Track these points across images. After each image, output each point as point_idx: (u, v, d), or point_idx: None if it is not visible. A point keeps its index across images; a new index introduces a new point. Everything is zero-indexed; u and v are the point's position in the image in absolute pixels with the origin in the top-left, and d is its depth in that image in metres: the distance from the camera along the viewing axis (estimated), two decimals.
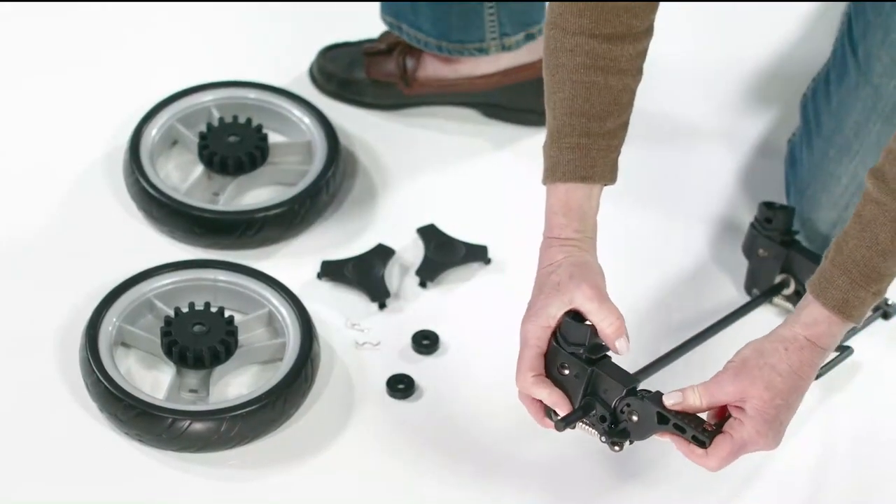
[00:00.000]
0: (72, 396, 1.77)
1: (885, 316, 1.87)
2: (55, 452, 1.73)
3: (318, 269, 1.93)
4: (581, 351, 1.52)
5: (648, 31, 1.58)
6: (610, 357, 1.54)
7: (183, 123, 2.07)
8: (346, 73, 2.18)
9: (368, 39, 2.19)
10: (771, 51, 2.32)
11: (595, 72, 1.54)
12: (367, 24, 2.17)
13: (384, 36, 2.17)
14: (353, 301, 1.91)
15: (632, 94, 1.58)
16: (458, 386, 1.82)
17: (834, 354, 1.70)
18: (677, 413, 1.50)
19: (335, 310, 1.89)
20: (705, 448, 1.49)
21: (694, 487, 1.72)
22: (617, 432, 1.53)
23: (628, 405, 1.52)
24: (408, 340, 1.86)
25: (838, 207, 1.90)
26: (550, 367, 1.55)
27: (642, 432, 1.53)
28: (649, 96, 2.22)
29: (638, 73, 1.59)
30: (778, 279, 1.87)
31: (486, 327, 1.87)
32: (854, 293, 1.47)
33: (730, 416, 1.50)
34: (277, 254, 1.97)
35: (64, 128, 2.12)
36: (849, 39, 1.86)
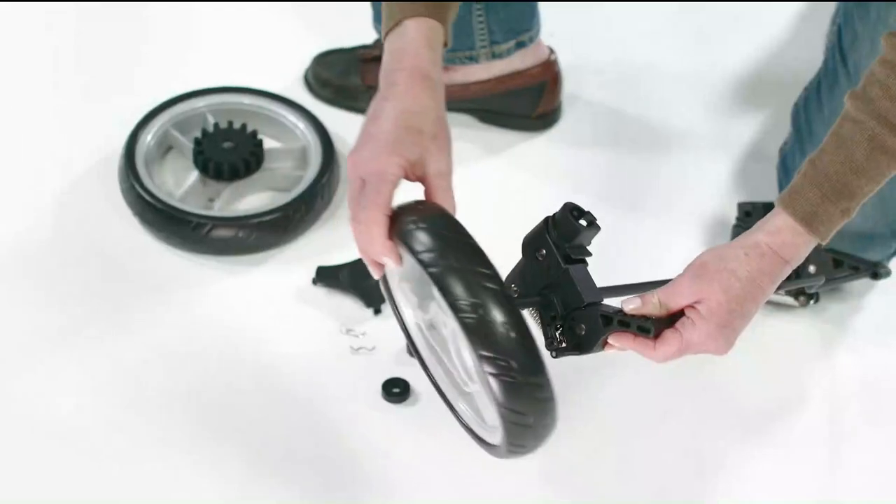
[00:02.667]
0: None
1: (875, 276, 1.89)
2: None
3: (313, 274, 1.93)
4: (565, 246, 1.48)
5: None
6: (587, 264, 1.49)
7: (178, 129, 2.07)
8: (341, 78, 2.18)
9: (363, 45, 2.20)
10: (760, 56, 2.34)
11: None
12: (362, 29, 2.18)
13: (379, 42, 2.17)
14: (348, 307, 1.92)
15: None
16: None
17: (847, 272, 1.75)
18: (619, 311, 1.48)
19: (330, 315, 1.90)
20: (650, 337, 1.47)
21: (691, 482, 1.73)
22: (562, 342, 1.49)
23: (574, 318, 1.48)
24: (403, 345, 1.86)
25: None
26: (529, 245, 1.50)
27: (591, 342, 1.48)
28: (643, 102, 2.25)
29: None
30: None
31: None
32: (823, 207, 1.47)
33: (683, 314, 1.49)
34: (273, 260, 1.98)
35: (59, 133, 2.13)
36: (839, 49, 1.87)
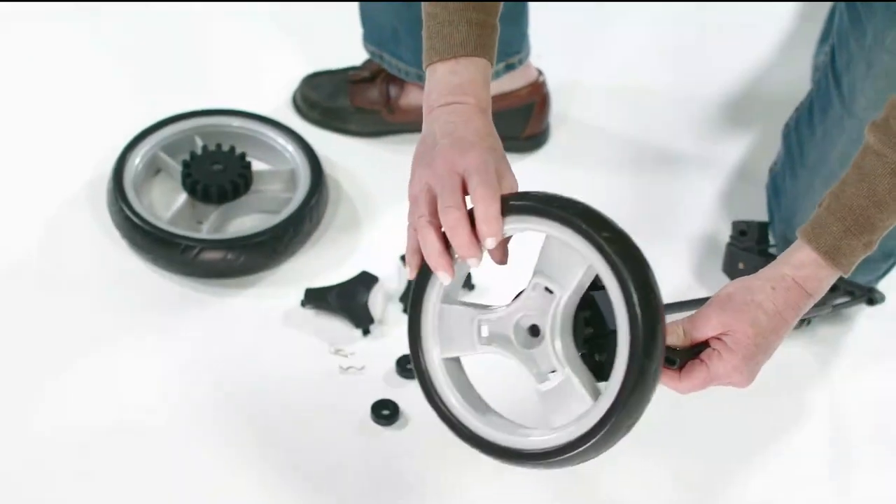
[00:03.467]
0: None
1: (871, 302, 1.89)
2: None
3: (301, 296, 1.93)
4: None
5: None
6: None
7: (166, 152, 2.07)
8: (330, 100, 2.18)
9: (352, 67, 2.20)
10: (748, 77, 2.34)
11: None
12: (351, 51, 2.18)
13: (367, 63, 2.18)
14: (336, 328, 1.91)
15: None
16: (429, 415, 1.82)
17: (844, 299, 1.72)
18: None
19: (319, 336, 1.90)
20: (675, 368, 1.46)
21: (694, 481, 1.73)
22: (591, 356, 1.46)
23: (597, 345, 1.46)
24: (392, 365, 1.86)
25: None
26: None
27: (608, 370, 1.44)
28: (632, 124, 2.25)
29: None
30: None
31: None
32: (846, 241, 1.46)
33: (707, 345, 1.47)
34: (262, 282, 1.97)
35: (47, 156, 2.13)
36: (832, 71, 1.86)
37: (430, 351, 1.49)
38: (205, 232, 2.00)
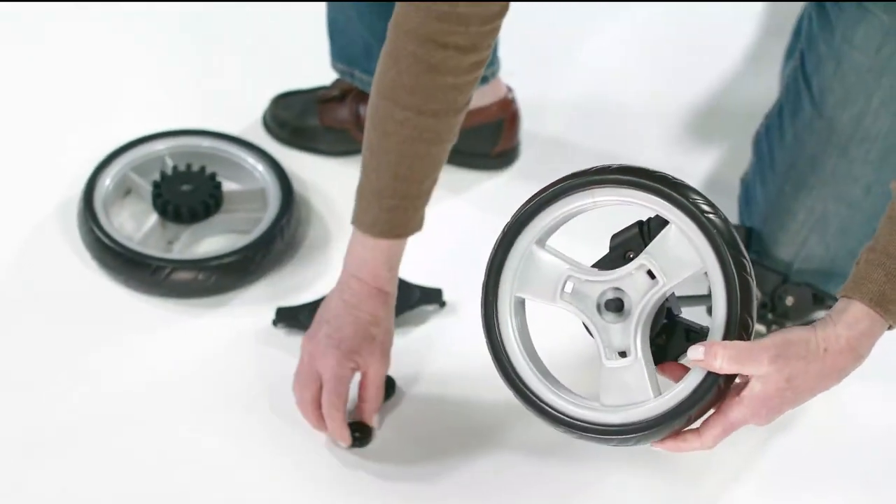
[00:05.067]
0: None
1: None
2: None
3: (273, 316, 1.93)
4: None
5: (468, 103, 1.71)
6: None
7: (137, 172, 2.07)
8: (299, 120, 2.19)
9: (321, 87, 2.21)
10: (716, 89, 2.36)
11: (420, 143, 1.68)
12: (320, 71, 2.19)
13: (337, 83, 2.18)
14: None
15: (446, 155, 1.73)
16: (413, 428, 1.82)
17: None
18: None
19: (291, 355, 1.89)
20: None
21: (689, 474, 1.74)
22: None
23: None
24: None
25: (796, 243, 1.92)
26: (620, 245, 1.46)
27: (673, 353, 1.44)
28: (601, 138, 2.26)
29: (455, 138, 1.72)
30: None
31: (442, 370, 1.87)
32: (890, 286, 1.40)
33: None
34: (233, 301, 1.97)
35: (17, 178, 2.12)
36: (802, 73, 1.88)
37: (504, 284, 1.47)
38: (176, 252, 2.00)
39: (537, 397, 1.45)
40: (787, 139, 1.91)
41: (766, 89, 2.25)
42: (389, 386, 1.84)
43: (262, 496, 1.75)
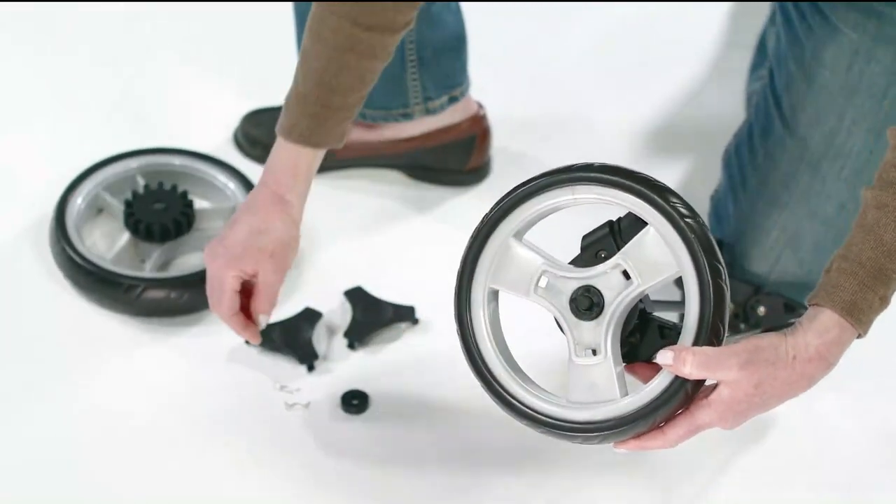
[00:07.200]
0: None
1: None
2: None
3: None
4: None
5: (407, 25, 1.68)
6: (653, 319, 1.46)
7: (108, 191, 2.07)
8: (271, 137, 2.17)
9: None
10: (683, 106, 2.37)
11: (351, 54, 1.66)
12: None
13: None
14: (281, 364, 1.91)
15: (377, 74, 1.70)
16: (387, 444, 1.83)
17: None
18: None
19: (263, 373, 1.90)
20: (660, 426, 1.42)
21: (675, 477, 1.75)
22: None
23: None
24: (337, 401, 1.86)
25: (769, 260, 1.92)
26: (591, 246, 1.47)
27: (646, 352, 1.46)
28: (572, 155, 2.25)
29: (388, 57, 1.70)
30: None
31: (415, 386, 1.88)
32: (862, 295, 1.40)
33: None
34: (206, 320, 1.97)
35: None
36: (771, 93, 1.88)
37: (479, 275, 1.48)
38: (148, 271, 1.99)
39: (505, 390, 1.46)
40: (759, 158, 1.91)
41: (732, 104, 2.26)
42: (363, 401, 1.84)
43: None
